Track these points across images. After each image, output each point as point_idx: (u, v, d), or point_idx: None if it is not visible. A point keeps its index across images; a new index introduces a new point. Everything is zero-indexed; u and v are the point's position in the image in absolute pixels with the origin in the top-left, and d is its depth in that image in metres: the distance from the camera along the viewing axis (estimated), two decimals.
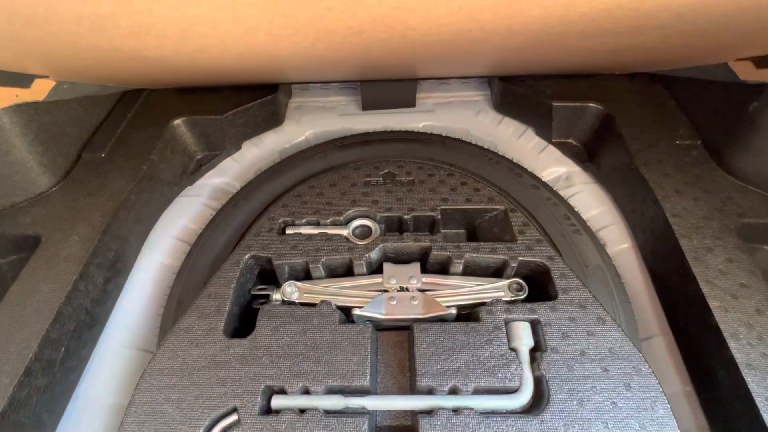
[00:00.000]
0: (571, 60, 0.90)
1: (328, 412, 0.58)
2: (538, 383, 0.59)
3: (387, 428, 0.61)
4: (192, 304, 0.68)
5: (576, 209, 0.90)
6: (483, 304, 0.68)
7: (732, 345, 0.60)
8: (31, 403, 0.62)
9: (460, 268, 0.74)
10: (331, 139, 1.05)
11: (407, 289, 0.73)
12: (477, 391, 0.59)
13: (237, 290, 0.71)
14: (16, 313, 0.67)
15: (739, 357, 0.59)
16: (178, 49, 0.62)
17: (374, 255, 0.76)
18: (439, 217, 0.80)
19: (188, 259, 0.83)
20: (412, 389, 0.61)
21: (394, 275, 0.74)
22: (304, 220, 0.80)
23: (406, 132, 1.06)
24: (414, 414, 0.58)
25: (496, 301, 0.67)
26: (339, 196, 0.83)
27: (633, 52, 0.80)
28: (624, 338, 0.62)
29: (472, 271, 0.76)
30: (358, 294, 0.72)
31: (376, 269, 0.77)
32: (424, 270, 0.76)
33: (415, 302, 0.70)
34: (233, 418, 0.57)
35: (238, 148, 1.10)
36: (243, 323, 0.72)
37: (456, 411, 0.56)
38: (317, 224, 0.80)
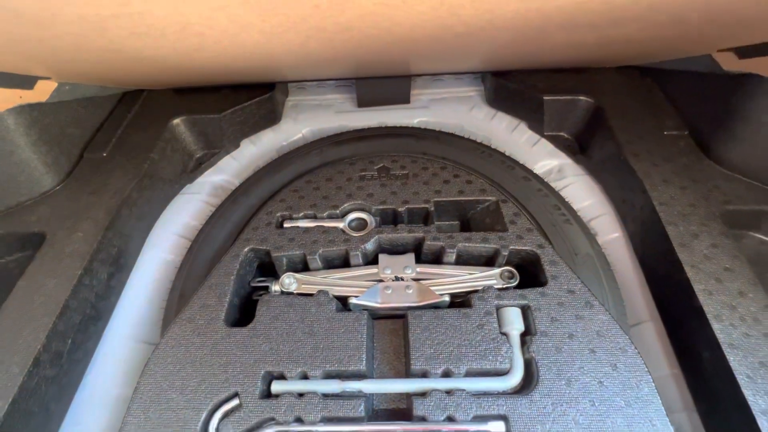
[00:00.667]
0: (558, 54, 0.92)
1: (326, 396, 0.60)
2: (528, 365, 0.62)
3: (383, 411, 0.64)
4: (193, 295, 0.71)
5: (567, 200, 0.92)
6: (475, 291, 0.70)
7: (715, 326, 0.62)
8: (40, 393, 0.64)
9: (453, 257, 0.76)
10: (327, 136, 1.07)
11: (402, 279, 0.75)
12: (469, 374, 0.61)
13: (237, 282, 0.74)
14: (24, 307, 0.69)
15: (721, 337, 0.61)
16: (176, 49, 0.64)
17: (370, 246, 0.78)
18: (432, 209, 0.82)
19: (189, 253, 0.86)
20: (406, 373, 0.63)
21: (389, 265, 0.76)
22: (301, 214, 0.82)
23: (400, 127, 1.09)
24: (409, 396, 0.61)
25: (488, 288, 0.69)
26: (335, 190, 0.85)
27: (615, 45, 0.82)
28: (611, 321, 0.64)
29: (465, 260, 0.78)
30: (354, 284, 0.74)
31: (372, 260, 0.79)
32: (419, 260, 0.78)
33: (410, 291, 0.73)
34: (235, 402, 0.60)
35: (237, 146, 1.13)
36: (243, 314, 0.74)
37: (449, 393, 0.59)
38: (314, 218, 0.82)
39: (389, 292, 0.73)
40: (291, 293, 0.73)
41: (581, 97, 1.03)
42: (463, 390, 0.59)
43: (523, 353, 0.62)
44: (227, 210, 0.91)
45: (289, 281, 0.76)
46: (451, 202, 0.83)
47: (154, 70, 0.82)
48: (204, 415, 0.59)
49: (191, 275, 0.81)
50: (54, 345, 0.68)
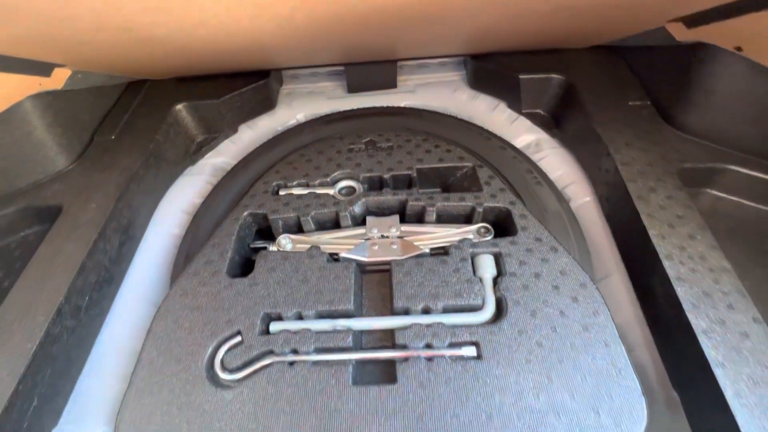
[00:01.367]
0: (532, 36, 1.00)
1: (318, 332, 0.67)
2: (499, 302, 0.69)
3: (370, 347, 0.71)
4: (198, 253, 0.78)
5: (544, 170, 1.00)
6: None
7: (666, 264, 0.69)
8: (62, 340, 0.72)
9: (434, 216, 0.84)
10: (319, 116, 1.15)
11: (387, 237, 0.82)
12: (446, 310, 0.69)
13: (237, 242, 0.81)
14: (45, 267, 0.77)
15: (671, 272, 0.68)
16: (181, 26, 0.72)
17: (357, 209, 0.85)
18: (415, 175, 0.89)
19: (194, 221, 0.93)
20: (390, 312, 0.71)
21: (375, 226, 0.84)
22: (295, 183, 0.90)
23: (387, 107, 1.16)
24: (392, 332, 0.68)
25: (464, 240, 0.77)
26: (326, 162, 0.93)
27: (575, 25, 0.90)
28: (573, 262, 0.71)
29: (445, 219, 0.85)
30: (344, 242, 0.82)
31: (361, 222, 0.87)
32: (403, 221, 0.85)
33: (395, 247, 0.80)
34: (237, 338, 0.67)
35: (235, 131, 1.21)
36: (243, 271, 0.82)
37: (429, 326, 0.66)
38: (307, 186, 0.90)
39: (376, 248, 0.80)
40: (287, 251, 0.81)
41: (554, 75, 1.10)
42: (441, 323, 0.66)
43: (495, 292, 0.70)
44: (228, 183, 0.99)
45: (285, 241, 0.83)
46: (432, 168, 0.90)
47: (159, 51, 0.90)
48: (210, 350, 0.66)
49: (196, 239, 0.89)
50: (74, 299, 0.75)
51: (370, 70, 1.23)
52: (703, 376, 0.60)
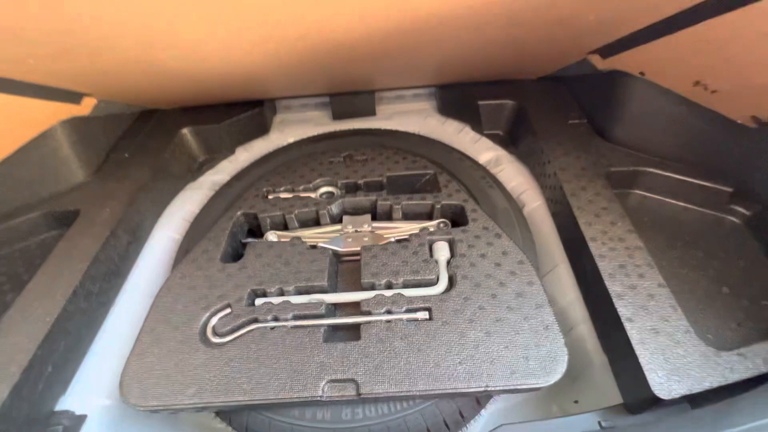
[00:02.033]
0: (484, 68, 1.20)
1: (296, 304, 0.79)
2: (451, 278, 0.81)
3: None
4: (196, 245, 0.91)
5: (502, 180, 1.15)
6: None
7: (591, 245, 0.83)
8: (75, 318, 0.83)
9: (400, 214, 0.98)
10: (306, 137, 1.32)
11: (360, 232, 0.96)
12: (406, 285, 0.81)
13: (230, 237, 0.94)
14: (64, 257, 0.89)
15: (594, 252, 0.81)
16: (190, 58, 0.89)
17: (335, 209, 0.99)
18: (385, 180, 1.04)
19: (193, 224, 1.07)
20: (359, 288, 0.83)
21: (350, 223, 0.97)
22: (282, 188, 1.04)
23: (364, 129, 1.34)
24: (359, 304, 0.79)
25: (424, 229, 0.90)
26: (309, 171, 1.08)
27: (518, 60, 1.10)
28: (513, 245, 0.85)
29: (411, 217, 0.99)
30: (323, 236, 0.95)
31: (338, 221, 1.00)
32: (374, 219, 0.99)
33: (366, 239, 0.93)
34: (227, 310, 0.78)
35: (233, 152, 1.37)
36: (235, 260, 0.94)
37: (390, 296, 0.78)
38: (292, 191, 1.04)
39: (350, 240, 0.93)
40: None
41: (508, 101, 1.29)
42: (401, 294, 0.78)
43: (447, 270, 0.82)
44: (224, 192, 1.14)
45: (272, 236, 0.97)
46: (400, 175, 1.05)
47: (171, 82, 1.07)
48: (203, 319, 0.77)
49: (194, 239, 1.02)
50: (87, 285, 0.87)
51: (352, 100, 1.41)
52: (618, 332, 0.72)
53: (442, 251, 0.85)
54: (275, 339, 0.73)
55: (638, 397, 0.67)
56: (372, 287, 0.81)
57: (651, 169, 0.99)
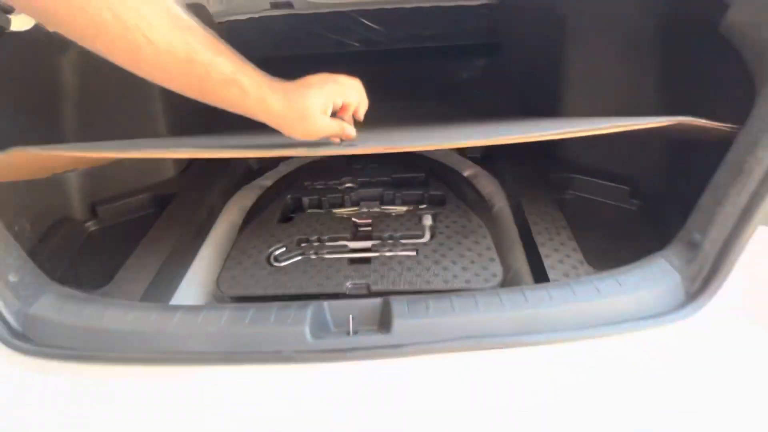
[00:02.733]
0: None
1: (328, 245, 1.19)
2: (432, 234, 1.21)
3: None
4: (261, 214, 1.33)
5: (477, 186, 1.58)
6: None
7: (534, 229, 1.22)
8: (176, 258, 1.23)
9: (400, 201, 1.40)
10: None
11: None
12: (402, 237, 1.21)
13: (282, 211, 1.36)
14: (169, 219, 1.32)
15: (537, 240, 1.20)
16: None
17: (355, 196, 1.42)
18: (391, 180, 1.48)
19: (254, 204, 1.50)
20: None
21: (366, 206, 1.39)
22: (318, 183, 1.48)
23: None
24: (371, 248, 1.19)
25: (414, 207, 1.32)
26: (337, 174, 1.52)
27: None
28: (474, 216, 1.25)
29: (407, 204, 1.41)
30: (346, 213, 1.37)
31: (357, 205, 1.42)
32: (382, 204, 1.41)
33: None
34: (282, 249, 1.18)
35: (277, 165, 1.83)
36: None
37: (392, 242, 1.18)
38: (324, 185, 1.48)
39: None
40: None
41: None
42: (399, 240, 1.18)
43: (430, 230, 1.22)
44: (275, 186, 1.58)
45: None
46: (400, 177, 1.49)
47: None
48: (266, 253, 1.17)
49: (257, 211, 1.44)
50: (183, 236, 1.28)
51: None
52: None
53: (427, 219, 1.26)
54: (315, 262, 1.13)
55: None
56: (380, 238, 1.22)
57: (580, 176, 1.42)
